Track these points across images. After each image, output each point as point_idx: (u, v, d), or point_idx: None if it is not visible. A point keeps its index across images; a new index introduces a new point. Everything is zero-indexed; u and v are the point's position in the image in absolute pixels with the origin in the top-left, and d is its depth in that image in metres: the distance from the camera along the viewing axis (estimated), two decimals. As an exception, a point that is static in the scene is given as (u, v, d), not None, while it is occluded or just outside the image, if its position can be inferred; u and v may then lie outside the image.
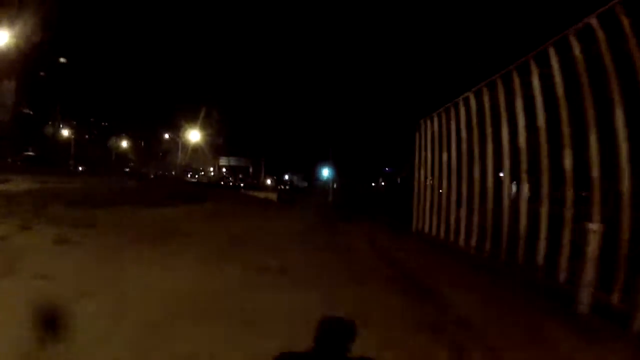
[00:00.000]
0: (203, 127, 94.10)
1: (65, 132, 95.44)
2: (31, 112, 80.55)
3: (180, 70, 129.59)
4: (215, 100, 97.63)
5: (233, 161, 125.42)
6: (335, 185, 65.44)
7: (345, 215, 28.99)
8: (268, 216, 23.82)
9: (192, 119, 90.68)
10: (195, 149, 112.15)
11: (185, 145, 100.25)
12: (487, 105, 13.05)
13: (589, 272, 7.58)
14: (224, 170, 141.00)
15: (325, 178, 77.49)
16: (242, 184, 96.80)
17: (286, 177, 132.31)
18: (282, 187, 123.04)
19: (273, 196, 45.99)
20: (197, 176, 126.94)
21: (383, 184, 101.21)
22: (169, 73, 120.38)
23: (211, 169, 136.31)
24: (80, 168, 78.71)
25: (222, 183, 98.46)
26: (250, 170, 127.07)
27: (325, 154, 70.22)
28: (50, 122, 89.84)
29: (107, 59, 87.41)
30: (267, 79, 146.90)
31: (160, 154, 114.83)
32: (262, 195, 44.32)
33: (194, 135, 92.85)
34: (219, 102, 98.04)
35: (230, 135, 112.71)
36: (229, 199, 32.37)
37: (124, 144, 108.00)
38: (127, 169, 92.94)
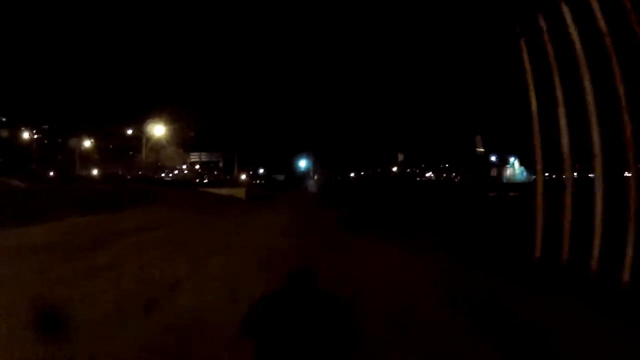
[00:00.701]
0: (169, 121, 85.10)
1: (25, 135, 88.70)
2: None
3: (141, 58, 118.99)
4: (182, 91, 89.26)
5: (204, 157, 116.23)
6: (316, 177, 57.01)
7: (350, 223, 18.45)
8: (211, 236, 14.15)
9: (156, 113, 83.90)
10: (164, 146, 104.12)
11: (153, 142, 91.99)
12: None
13: None
14: (197, 167, 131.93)
15: (303, 170, 70.90)
16: (205, 181, 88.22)
17: (261, 170, 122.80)
18: (257, 181, 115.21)
19: (240, 193, 37.40)
20: (170, 175, 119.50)
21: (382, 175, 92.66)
22: (128, 62, 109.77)
23: (185, 166, 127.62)
24: (51, 173, 71.25)
25: (197, 180, 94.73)
26: (220, 164, 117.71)
27: (304, 144, 62.43)
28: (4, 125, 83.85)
29: (58, 48, 78.91)
30: (237, 68, 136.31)
31: (131, 152, 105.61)
32: (225, 192, 35.91)
33: (158, 130, 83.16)
34: (186, 93, 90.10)
35: (200, 129, 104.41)
36: (173, 202, 23.89)
37: (87, 143, 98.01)
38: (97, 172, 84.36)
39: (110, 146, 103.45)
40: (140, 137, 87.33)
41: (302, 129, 78.18)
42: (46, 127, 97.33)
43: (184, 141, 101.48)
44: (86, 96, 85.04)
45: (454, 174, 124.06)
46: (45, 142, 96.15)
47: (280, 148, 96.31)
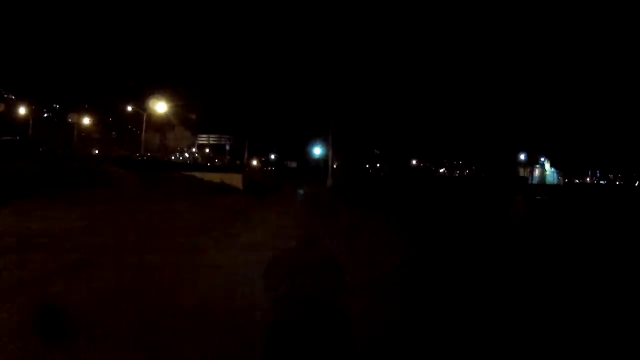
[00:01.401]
0: (172, 99, 76.00)
1: (21, 110, 79.43)
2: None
3: (145, 30, 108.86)
4: (188, 68, 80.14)
5: (213, 139, 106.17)
6: (335, 166, 46.62)
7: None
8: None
9: (159, 89, 76.28)
10: (171, 127, 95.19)
11: (158, 122, 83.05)
12: None
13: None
14: (207, 150, 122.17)
15: (317, 157, 61.58)
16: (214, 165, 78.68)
17: (272, 157, 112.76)
18: (268, 168, 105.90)
19: (237, 180, 27.46)
20: (181, 158, 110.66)
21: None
22: (132, 33, 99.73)
23: (194, 149, 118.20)
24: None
25: (208, 164, 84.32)
26: (227, 147, 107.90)
27: (320, 130, 52.58)
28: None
29: (60, 17, 70.12)
30: (250, 43, 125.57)
31: (138, 131, 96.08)
32: (219, 178, 26.23)
33: (160, 107, 73.70)
34: (193, 70, 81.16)
35: (209, 109, 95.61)
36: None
37: (86, 120, 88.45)
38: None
39: (112, 124, 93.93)
40: (138, 113, 77.80)
41: (319, 114, 66.95)
42: (56, 106, 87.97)
43: (190, 122, 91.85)
44: (85, 69, 76.00)
45: (467, 171, 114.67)
46: (45, 117, 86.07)
47: (294, 133, 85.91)
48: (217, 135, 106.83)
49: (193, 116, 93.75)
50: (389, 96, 72.62)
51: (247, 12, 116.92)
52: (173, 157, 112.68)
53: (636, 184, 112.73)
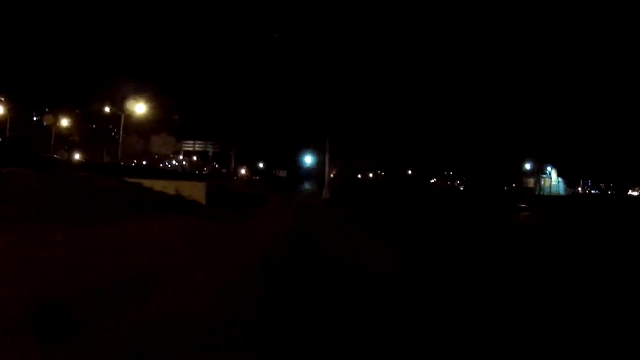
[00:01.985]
0: (152, 100, 69.07)
1: None
2: None
3: (125, 27, 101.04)
4: (171, 66, 73.46)
5: (199, 146, 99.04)
6: (332, 175, 38.86)
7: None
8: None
9: (138, 89, 67.38)
10: (154, 130, 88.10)
11: (136, 125, 76.11)
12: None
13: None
14: (194, 157, 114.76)
15: (308, 166, 54.81)
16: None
17: (260, 165, 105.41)
18: (256, 177, 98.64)
19: (198, 191, 19.56)
20: (169, 165, 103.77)
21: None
22: (111, 30, 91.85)
23: (181, 157, 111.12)
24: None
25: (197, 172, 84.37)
26: (210, 154, 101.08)
27: (313, 136, 45.57)
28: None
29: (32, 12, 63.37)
30: (238, 43, 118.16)
31: (125, 135, 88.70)
32: (172, 188, 18.64)
33: (139, 108, 66.59)
34: (175, 68, 74.48)
35: (193, 113, 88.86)
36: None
37: (64, 122, 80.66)
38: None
39: (93, 126, 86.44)
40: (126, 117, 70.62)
41: (313, 119, 59.33)
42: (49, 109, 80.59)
43: (173, 123, 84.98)
44: (61, 67, 68.85)
45: (458, 182, 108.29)
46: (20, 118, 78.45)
47: (284, 139, 78.37)
48: (202, 142, 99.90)
49: (176, 116, 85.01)
50: (387, 99, 65.06)
51: (234, 10, 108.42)
52: (161, 165, 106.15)
53: (630, 193, 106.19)
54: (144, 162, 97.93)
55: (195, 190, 19.45)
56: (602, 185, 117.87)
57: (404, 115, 70.37)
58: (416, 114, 72.00)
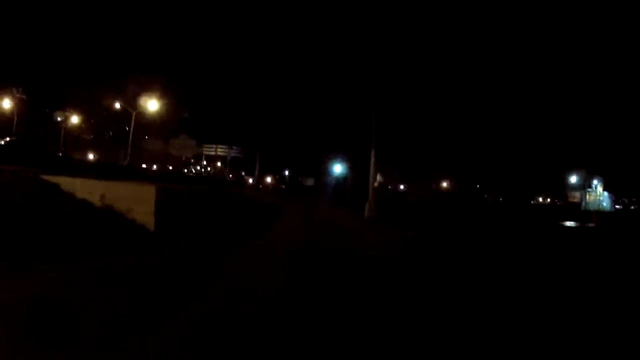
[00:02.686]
0: (168, 97, 62.51)
1: (5, 104, 65.84)
2: None
3: (142, 21, 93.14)
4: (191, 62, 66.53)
5: (221, 150, 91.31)
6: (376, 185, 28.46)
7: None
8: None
9: (154, 86, 61.48)
10: (173, 133, 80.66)
11: (154, 126, 69.22)
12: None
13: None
14: (218, 163, 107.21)
15: (339, 174, 46.52)
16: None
17: (286, 172, 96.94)
18: (282, 185, 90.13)
19: (143, 201, 10.10)
20: (194, 171, 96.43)
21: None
22: (126, 23, 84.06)
23: (204, 162, 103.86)
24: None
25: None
26: (229, 158, 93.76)
27: (348, 139, 37.42)
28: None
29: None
30: (267, 37, 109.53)
31: (146, 137, 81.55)
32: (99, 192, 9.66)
33: (152, 105, 59.66)
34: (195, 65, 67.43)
35: (215, 114, 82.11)
36: None
37: (74, 119, 73.52)
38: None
39: (105, 124, 78.82)
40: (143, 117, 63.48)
41: (349, 120, 50.06)
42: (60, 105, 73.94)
43: (195, 129, 78.38)
44: (73, 62, 62.04)
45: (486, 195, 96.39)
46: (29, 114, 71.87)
47: (312, 146, 69.23)
48: (225, 146, 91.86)
49: (185, 114, 79.34)
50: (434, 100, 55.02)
51: (260, 8, 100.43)
52: (185, 170, 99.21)
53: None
54: (170, 167, 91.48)
55: (139, 199, 9.90)
56: (625, 200, 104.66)
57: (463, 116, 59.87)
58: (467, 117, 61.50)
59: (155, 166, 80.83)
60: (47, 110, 74.13)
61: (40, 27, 60.58)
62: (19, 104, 66.25)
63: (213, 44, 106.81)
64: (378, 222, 19.26)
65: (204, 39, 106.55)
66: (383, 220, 20.16)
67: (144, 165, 72.53)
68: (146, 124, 71.65)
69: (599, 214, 56.52)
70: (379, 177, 28.24)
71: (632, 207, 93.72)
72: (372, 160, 23.56)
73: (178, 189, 11.45)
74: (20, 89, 67.27)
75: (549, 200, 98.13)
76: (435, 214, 26.58)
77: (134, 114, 60.22)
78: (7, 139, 49.36)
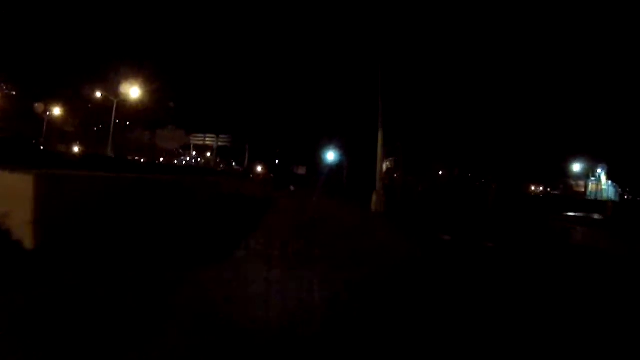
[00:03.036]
0: (150, 83, 59.01)
1: None
2: None
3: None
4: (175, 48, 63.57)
5: (209, 140, 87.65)
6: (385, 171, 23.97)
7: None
8: None
9: (139, 75, 58.41)
10: (160, 123, 78.10)
11: (140, 116, 66.32)
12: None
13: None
14: (208, 154, 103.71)
15: (330, 162, 43.00)
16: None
17: (276, 162, 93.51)
18: (272, 175, 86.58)
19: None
20: (184, 162, 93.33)
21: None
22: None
23: (194, 152, 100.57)
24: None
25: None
26: (215, 147, 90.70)
27: (344, 124, 34.31)
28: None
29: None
30: (248, 21, 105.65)
31: (131, 127, 78.57)
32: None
33: (134, 92, 56.17)
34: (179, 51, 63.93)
35: (204, 104, 79.56)
36: None
37: (57, 111, 70.22)
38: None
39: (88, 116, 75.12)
40: (107, 99, 59.81)
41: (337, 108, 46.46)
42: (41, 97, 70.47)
43: (169, 111, 74.75)
44: (55, 52, 58.65)
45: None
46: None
47: (305, 130, 65.87)
48: (213, 135, 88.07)
49: (171, 104, 76.99)
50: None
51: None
52: (176, 162, 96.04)
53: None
54: (162, 159, 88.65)
55: (15, 202, 6.23)
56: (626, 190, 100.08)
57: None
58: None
59: (143, 159, 77.84)
60: (29, 102, 70.42)
61: (22, 17, 56.95)
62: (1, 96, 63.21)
63: (194, 23, 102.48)
64: (390, 218, 15.64)
65: (186, 21, 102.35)
66: (394, 215, 16.62)
67: (130, 158, 68.94)
68: (132, 114, 68.52)
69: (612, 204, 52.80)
70: (387, 164, 23.54)
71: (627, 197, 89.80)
72: (380, 142, 18.89)
73: (123, 179, 7.84)
74: (10, 85, 64.73)
75: (541, 189, 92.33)
76: (452, 209, 22.92)
77: (115, 102, 56.94)
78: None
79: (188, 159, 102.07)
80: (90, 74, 61.06)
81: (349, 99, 38.55)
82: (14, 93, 66.49)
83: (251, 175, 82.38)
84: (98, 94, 62.18)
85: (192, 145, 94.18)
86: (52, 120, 69.43)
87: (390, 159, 20.00)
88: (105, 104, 62.16)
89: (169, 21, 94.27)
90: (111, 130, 57.85)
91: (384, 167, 17.78)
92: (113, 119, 57.16)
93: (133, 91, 56.96)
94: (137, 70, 57.00)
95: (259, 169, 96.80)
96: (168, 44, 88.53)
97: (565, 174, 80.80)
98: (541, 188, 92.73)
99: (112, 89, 58.41)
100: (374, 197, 17.75)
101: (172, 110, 73.77)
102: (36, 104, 67.88)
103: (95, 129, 75.08)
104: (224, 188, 18.48)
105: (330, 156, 47.01)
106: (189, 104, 75.99)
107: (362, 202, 20.62)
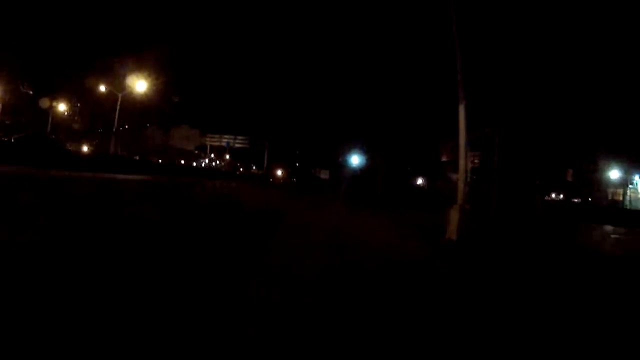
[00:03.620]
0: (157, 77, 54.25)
1: None
2: None
3: None
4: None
5: (226, 140, 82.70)
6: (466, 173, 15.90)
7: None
8: None
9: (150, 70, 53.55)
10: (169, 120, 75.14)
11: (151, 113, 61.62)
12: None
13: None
14: (227, 156, 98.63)
15: (356, 166, 41.81)
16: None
17: (297, 165, 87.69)
18: (293, 179, 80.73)
19: None
20: (203, 165, 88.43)
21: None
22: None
23: (213, 154, 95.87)
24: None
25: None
26: (226, 146, 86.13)
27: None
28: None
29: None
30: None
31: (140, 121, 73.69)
32: None
33: (140, 86, 50.96)
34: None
35: (221, 103, 75.19)
36: None
37: (62, 106, 65.12)
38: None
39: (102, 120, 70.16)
40: (111, 93, 54.79)
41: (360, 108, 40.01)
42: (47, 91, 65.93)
43: (172, 104, 69.47)
44: (62, 44, 53.98)
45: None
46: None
47: (329, 128, 59.87)
48: (231, 136, 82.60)
49: (176, 98, 69.64)
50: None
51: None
52: (194, 164, 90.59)
53: None
54: (182, 161, 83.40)
55: None
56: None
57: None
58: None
59: (160, 160, 73.00)
60: (35, 97, 65.50)
61: (27, 11, 52.10)
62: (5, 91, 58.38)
63: (211, 20, 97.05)
64: (489, 254, 8.85)
65: (203, 18, 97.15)
66: (497, 250, 9.75)
67: (148, 159, 63.81)
68: (140, 110, 63.08)
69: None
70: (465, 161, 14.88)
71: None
72: (462, 124, 10.80)
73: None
74: (26, 83, 60.23)
75: (562, 196, 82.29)
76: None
77: (119, 95, 51.78)
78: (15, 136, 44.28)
79: (207, 161, 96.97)
80: (98, 68, 55.77)
81: (382, 90, 32.04)
82: (31, 92, 61.68)
83: (271, 179, 77.18)
84: (103, 89, 56.67)
85: (208, 147, 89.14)
86: (57, 116, 64.43)
87: (474, 153, 13.25)
88: (111, 98, 57.03)
89: (183, 13, 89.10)
90: (115, 125, 52.86)
91: (464, 166, 10.02)
92: (117, 114, 51.95)
93: (139, 85, 51.89)
94: (146, 65, 52.32)
95: (279, 172, 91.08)
96: (182, 37, 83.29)
97: (599, 181, 73.25)
98: (561, 196, 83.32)
99: (119, 84, 53.47)
100: (453, 216, 10.29)
101: (176, 105, 68.02)
102: (42, 99, 63.23)
103: (100, 130, 69.61)
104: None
105: (356, 159, 41.25)
106: (204, 102, 70.32)
107: (414, 218, 14.32)
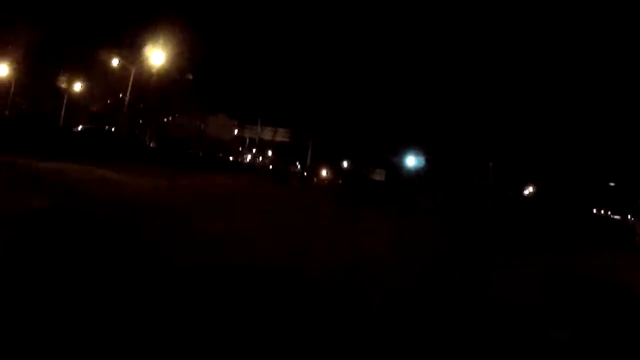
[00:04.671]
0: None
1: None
2: None
3: None
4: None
5: (268, 133, 74.21)
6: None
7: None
8: None
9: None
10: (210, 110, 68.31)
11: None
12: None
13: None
14: (269, 152, 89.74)
15: (412, 169, 37.22)
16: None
17: (345, 164, 77.74)
18: (339, 180, 70.24)
19: None
20: (248, 159, 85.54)
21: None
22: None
23: (254, 149, 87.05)
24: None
25: None
26: (247, 139, 79.50)
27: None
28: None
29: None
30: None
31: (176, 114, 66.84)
32: None
33: (157, 58, 46.67)
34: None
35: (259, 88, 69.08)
36: None
37: (77, 86, 57.82)
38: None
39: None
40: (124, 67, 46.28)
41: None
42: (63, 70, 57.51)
43: (187, 83, 59.37)
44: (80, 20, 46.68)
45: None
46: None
47: (383, 130, 50.16)
48: (271, 128, 73.14)
49: (190, 76, 61.03)
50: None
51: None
52: (240, 159, 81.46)
53: None
54: (231, 157, 75.06)
55: None
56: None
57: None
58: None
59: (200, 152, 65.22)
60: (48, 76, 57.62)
61: None
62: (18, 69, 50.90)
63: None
64: None
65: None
66: None
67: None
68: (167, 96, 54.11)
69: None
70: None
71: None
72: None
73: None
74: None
75: (602, 212, 78.46)
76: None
77: (132, 70, 43.06)
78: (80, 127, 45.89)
79: (250, 156, 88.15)
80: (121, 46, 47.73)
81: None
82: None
83: (315, 180, 67.56)
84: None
85: (247, 139, 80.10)
86: (72, 97, 56.24)
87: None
88: (137, 79, 48.26)
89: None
90: (126, 104, 44.35)
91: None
92: (129, 90, 43.41)
93: (155, 56, 43.21)
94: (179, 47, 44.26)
95: (324, 172, 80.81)
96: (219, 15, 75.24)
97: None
98: (602, 212, 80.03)
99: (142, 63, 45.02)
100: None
101: (190, 83, 59.30)
102: (59, 78, 55.83)
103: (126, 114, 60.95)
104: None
105: (410, 162, 31.13)
106: (241, 89, 62.06)
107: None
